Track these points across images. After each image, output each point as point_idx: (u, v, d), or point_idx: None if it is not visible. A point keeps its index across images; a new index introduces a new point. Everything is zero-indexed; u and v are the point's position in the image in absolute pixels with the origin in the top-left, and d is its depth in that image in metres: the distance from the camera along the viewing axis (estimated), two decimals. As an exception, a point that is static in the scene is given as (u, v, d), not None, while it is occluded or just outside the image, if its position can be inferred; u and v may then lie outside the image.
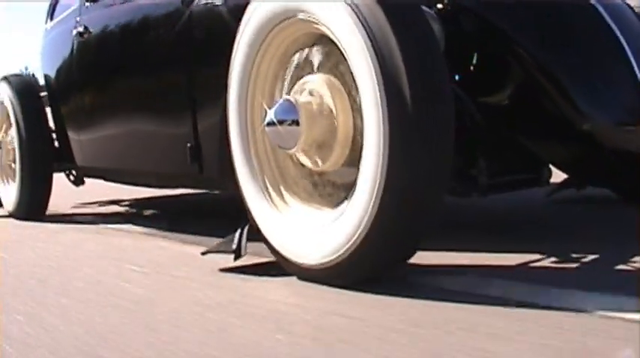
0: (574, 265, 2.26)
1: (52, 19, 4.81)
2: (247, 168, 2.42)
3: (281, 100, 2.24)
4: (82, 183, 4.85)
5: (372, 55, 1.91)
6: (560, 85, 2.41)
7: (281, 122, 2.19)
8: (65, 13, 4.43)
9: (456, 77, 2.50)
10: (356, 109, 2.10)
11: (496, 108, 2.55)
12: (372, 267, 2.08)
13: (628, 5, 2.80)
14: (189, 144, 2.99)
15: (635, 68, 2.50)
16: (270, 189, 2.38)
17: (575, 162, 2.69)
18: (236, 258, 2.43)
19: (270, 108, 2.25)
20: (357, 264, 2.05)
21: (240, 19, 2.39)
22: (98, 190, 5.37)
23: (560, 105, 2.40)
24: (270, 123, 2.22)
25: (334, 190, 2.26)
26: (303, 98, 2.19)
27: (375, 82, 1.91)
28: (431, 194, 1.96)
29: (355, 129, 2.12)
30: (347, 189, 2.14)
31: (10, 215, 4.62)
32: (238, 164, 2.44)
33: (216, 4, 2.88)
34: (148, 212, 4.75)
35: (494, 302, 1.87)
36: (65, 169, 4.70)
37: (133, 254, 3.04)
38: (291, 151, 2.23)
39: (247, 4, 2.36)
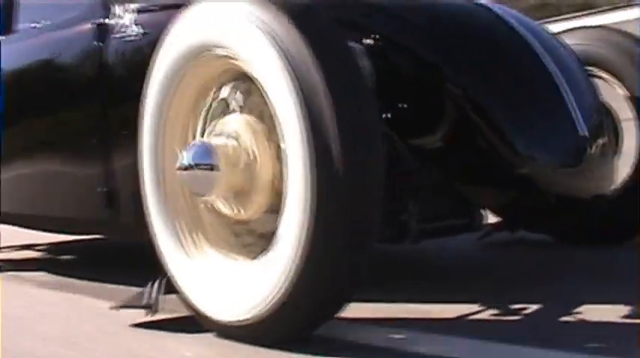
0: (515, 317, 2.16)
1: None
2: (161, 216, 2.23)
3: (197, 142, 2.08)
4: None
5: (296, 95, 1.77)
6: (498, 126, 2.32)
7: (196, 166, 2.01)
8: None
9: (387, 116, 2.37)
10: (278, 153, 1.95)
11: (428, 150, 2.43)
12: (298, 324, 1.91)
13: (563, 44, 2.73)
14: (103, 189, 2.80)
15: (571, 108, 2.42)
16: (186, 239, 2.19)
17: (511, 206, 2.59)
18: (150, 314, 2.24)
19: (185, 150, 2.08)
20: (281, 321, 1.89)
21: (156, 54, 2.23)
22: (13, 233, 5.12)
23: (497, 147, 2.31)
24: (185, 168, 2.04)
25: (256, 240, 2.10)
26: (221, 141, 2.03)
27: (300, 123, 1.77)
28: (361, 243, 1.82)
29: (278, 174, 1.96)
30: (269, 239, 1.97)
31: None
32: (151, 210, 2.26)
33: (132, 38, 2.72)
34: (64, 258, 4.52)
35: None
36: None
37: (40, 307, 2.82)
38: (208, 198, 2.06)
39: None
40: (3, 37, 3.77)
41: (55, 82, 3.16)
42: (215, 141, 2.04)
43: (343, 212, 1.76)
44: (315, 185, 1.75)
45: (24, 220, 3.73)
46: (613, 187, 2.82)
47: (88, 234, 3.73)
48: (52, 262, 4.29)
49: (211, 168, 1.99)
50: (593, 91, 2.65)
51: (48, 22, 3.38)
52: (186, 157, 2.04)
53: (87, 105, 2.92)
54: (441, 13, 2.52)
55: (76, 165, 3.04)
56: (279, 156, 1.94)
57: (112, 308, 2.33)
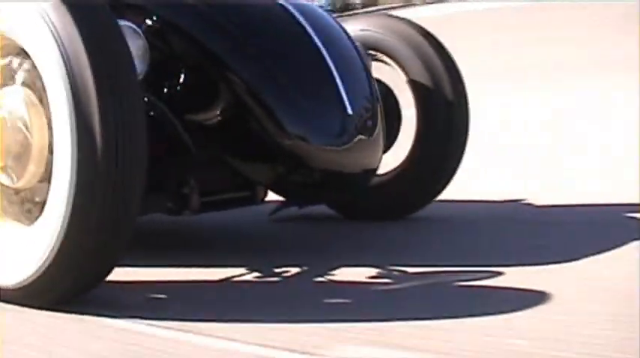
0: (272, 279, 2.35)
1: None
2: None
3: (-29, 113, 2.15)
4: None
5: (63, 72, 1.91)
6: (266, 105, 2.49)
7: (-30, 135, 2.09)
8: None
9: (166, 94, 2.54)
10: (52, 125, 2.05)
11: (205, 127, 2.58)
12: (65, 287, 2.05)
13: (341, 27, 2.89)
14: None
15: (341, 89, 2.59)
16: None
17: (282, 183, 2.73)
18: None
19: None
20: (51, 284, 2.02)
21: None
22: None
23: (264, 126, 2.49)
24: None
25: (33, 207, 2.19)
26: (-3, 111, 2.11)
27: (66, 100, 1.91)
28: (123, 215, 1.97)
29: (51, 145, 2.07)
30: (44, 206, 2.08)
31: None
32: None
33: None
34: None
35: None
36: None
37: None
38: (-20, 166, 2.14)
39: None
40: None
41: None
42: (-11, 110, 2.11)
43: (103, 186, 1.90)
44: (76, 159, 1.89)
45: None
46: (396, 165, 3.07)
47: None
48: None
49: (-17, 136, 2.06)
50: (367, 74, 2.78)
51: None
52: (-40, 126, 2.11)
53: None
54: None
55: None
56: (51, 125, 2.05)
57: None
